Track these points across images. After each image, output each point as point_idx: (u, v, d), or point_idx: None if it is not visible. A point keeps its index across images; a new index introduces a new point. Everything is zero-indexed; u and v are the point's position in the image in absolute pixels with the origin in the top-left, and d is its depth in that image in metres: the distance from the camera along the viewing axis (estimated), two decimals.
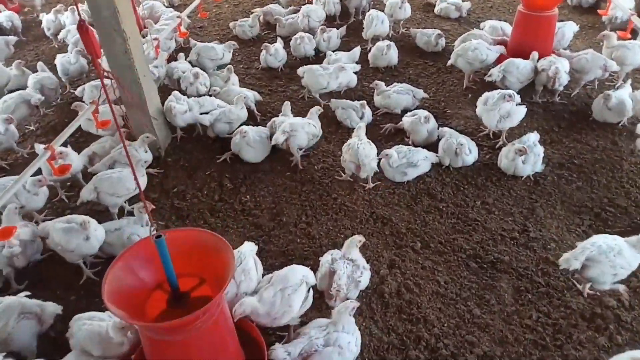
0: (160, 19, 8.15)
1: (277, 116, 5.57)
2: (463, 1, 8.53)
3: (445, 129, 5.23)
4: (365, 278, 3.60)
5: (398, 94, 5.84)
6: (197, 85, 6.08)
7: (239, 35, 8.09)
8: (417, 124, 5.25)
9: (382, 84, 5.95)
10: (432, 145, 5.22)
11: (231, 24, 8.16)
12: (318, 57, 7.22)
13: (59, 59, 6.74)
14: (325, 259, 3.59)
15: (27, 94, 5.93)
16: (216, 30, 8.59)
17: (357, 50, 6.85)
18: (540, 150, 4.82)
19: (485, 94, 5.30)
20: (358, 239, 3.68)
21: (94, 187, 4.46)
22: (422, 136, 5.28)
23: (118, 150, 5.04)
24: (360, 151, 4.66)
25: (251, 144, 5.14)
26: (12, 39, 7.56)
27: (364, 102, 5.69)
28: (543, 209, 4.49)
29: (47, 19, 8.22)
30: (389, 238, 4.28)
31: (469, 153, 4.93)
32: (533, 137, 4.88)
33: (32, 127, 6.17)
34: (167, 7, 9.12)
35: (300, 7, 8.09)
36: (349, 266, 3.53)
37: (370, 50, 7.09)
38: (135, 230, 4.14)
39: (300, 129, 5.07)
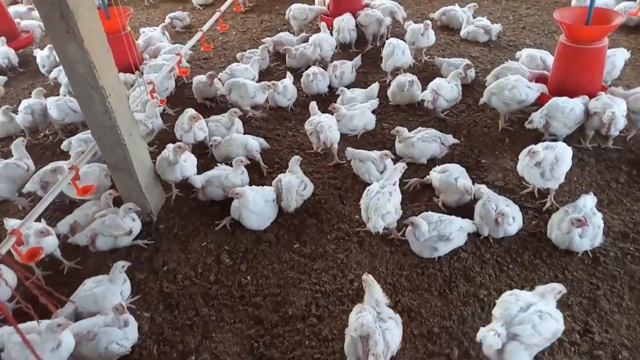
0: (158, 51, 7.56)
1: (285, 171, 4.87)
2: (492, 23, 7.72)
3: (483, 189, 4.41)
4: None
5: (424, 142, 5.06)
6: (195, 131, 5.38)
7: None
8: (448, 182, 4.47)
9: (405, 130, 5.18)
10: (465, 208, 4.43)
11: (238, 55, 7.49)
12: (332, 92, 6.49)
13: (52, 103, 6.09)
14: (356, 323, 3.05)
15: None
16: (222, 61, 7.93)
17: (375, 87, 6.09)
18: (599, 219, 3.97)
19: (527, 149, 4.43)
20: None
21: (74, 309, 3.75)
22: (455, 197, 4.49)
23: (101, 221, 4.38)
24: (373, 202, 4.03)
25: (253, 208, 4.43)
26: (2, 79, 7.00)
27: (387, 153, 4.87)
28: (607, 299, 3.64)
29: (40, 55, 7.68)
30: (417, 340, 3.49)
31: (512, 222, 4.12)
32: (590, 201, 4.04)
33: None
34: (170, 41, 8.55)
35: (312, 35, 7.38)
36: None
37: (389, 83, 6.34)
38: (114, 337, 3.43)
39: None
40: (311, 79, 6.39)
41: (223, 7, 7.79)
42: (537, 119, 5.00)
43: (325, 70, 6.58)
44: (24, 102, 6.11)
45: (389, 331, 3.06)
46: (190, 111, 5.49)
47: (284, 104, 6.37)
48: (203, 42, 6.94)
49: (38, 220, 4.13)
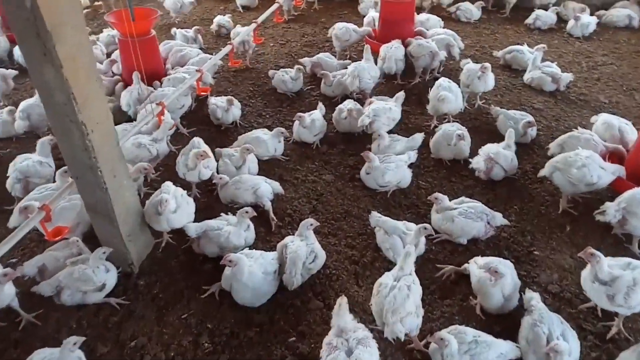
0: (184, 61, 6.89)
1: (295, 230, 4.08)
2: (562, 70, 6.70)
3: (534, 300, 3.48)
4: None
5: (466, 219, 4.17)
6: (200, 169, 4.65)
7: (277, 88, 6.65)
8: (488, 285, 3.58)
9: (445, 199, 4.30)
10: (510, 317, 3.55)
11: (270, 72, 6.73)
12: (366, 133, 5.66)
13: None
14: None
15: None
16: (253, 76, 7.20)
17: (419, 138, 5.22)
18: None
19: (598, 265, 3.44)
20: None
21: None
22: (496, 303, 3.60)
23: (69, 271, 3.70)
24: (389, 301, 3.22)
25: (248, 281, 3.65)
26: (11, 72, 6.47)
27: (425, 227, 3.90)
28: None
29: None
30: None
31: (569, 355, 3.19)
32: None
33: None
34: (203, 45, 7.90)
35: (358, 60, 6.54)
36: None
37: (433, 130, 5.48)
38: None
39: None
40: (345, 117, 5.57)
41: (261, 18, 7.04)
42: (611, 212, 4.03)
43: (364, 104, 5.74)
44: (22, 104, 5.55)
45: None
46: (198, 143, 4.78)
47: (309, 140, 5.58)
48: (232, 56, 6.21)
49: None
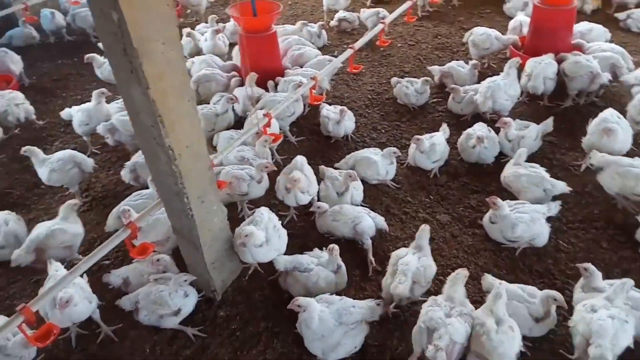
0: (303, 60, 6.47)
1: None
2: None
3: None
4: None
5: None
6: (296, 194, 4.17)
7: (398, 98, 5.97)
8: None
9: (597, 275, 3.33)
10: None
11: (393, 80, 6.04)
12: (498, 162, 4.77)
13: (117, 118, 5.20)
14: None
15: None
16: (373, 81, 6.57)
17: (562, 187, 4.22)
18: None
19: None
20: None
21: None
22: None
23: (147, 292, 3.49)
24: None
25: (317, 330, 3.13)
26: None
27: (555, 298, 3.14)
28: None
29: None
30: None
31: None
32: None
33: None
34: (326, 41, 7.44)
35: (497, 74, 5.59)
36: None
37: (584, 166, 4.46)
38: None
39: None
40: (472, 145, 4.73)
41: (390, 18, 6.32)
42: None
43: (498, 131, 4.84)
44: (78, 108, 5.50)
45: (452, 327, 2.94)
46: (301, 164, 4.32)
47: (426, 167, 4.84)
48: (352, 61, 5.63)
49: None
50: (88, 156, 5.38)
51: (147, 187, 4.40)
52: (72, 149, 5.50)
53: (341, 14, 8.03)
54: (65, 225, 4.01)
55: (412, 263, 3.40)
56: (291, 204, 4.23)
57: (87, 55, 6.41)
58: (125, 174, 4.66)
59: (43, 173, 4.63)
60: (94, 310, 3.51)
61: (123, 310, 3.58)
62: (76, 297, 3.25)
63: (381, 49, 7.09)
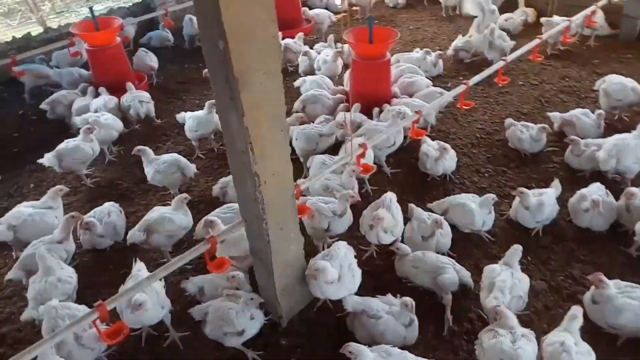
0: (413, 89, 6.29)
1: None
2: None
3: None
4: None
5: None
6: (379, 233, 4.00)
7: (509, 141, 5.54)
8: None
9: None
10: None
11: (507, 122, 5.58)
12: (613, 232, 4.22)
13: None
14: None
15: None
16: (485, 119, 6.18)
17: None
18: None
19: None
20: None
21: None
22: None
23: (215, 307, 3.55)
24: None
25: None
26: None
27: None
28: None
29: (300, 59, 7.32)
30: None
31: None
32: None
33: None
34: (442, 72, 7.18)
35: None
36: None
37: None
38: None
39: None
40: (585, 208, 4.21)
41: (513, 55, 5.90)
42: None
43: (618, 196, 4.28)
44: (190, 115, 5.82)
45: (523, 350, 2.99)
46: (389, 201, 4.16)
47: (528, 225, 4.39)
48: (463, 97, 5.35)
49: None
50: (194, 159, 5.73)
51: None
52: (180, 151, 5.92)
53: (459, 42, 7.69)
54: (176, 216, 4.31)
55: (507, 280, 3.52)
56: (372, 241, 4.09)
57: (205, 71, 6.78)
58: (216, 190, 4.85)
59: (149, 172, 4.96)
60: (165, 315, 3.65)
61: (193, 318, 3.69)
62: (149, 302, 3.38)
63: (499, 85, 6.67)
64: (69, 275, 3.85)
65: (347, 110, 5.90)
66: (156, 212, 4.34)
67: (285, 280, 3.56)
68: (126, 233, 4.64)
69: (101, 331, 3.09)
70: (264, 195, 3.07)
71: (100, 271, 4.41)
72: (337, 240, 3.89)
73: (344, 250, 3.70)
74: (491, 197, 4.36)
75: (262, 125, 2.86)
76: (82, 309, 3.45)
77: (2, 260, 4.61)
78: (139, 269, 3.80)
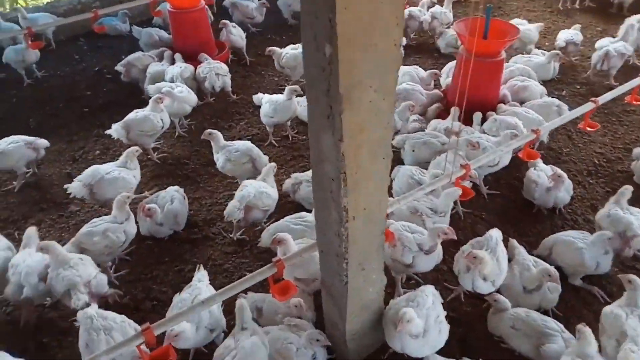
0: (517, 93, 5.41)
1: None
2: None
3: None
4: None
5: None
6: (475, 278, 3.33)
7: (635, 175, 4.64)
8: None
9: None
10: None
11: (635, 151, 4.68)
12: None
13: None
14: None
15: None
16: (603, 142, 5.23)
17: None
18: None
19: None
20: None
21: None
22: None
23: (275, 336, 3.07)
24: None
25: None
26: None
27: None
28: None
29: None
30: None
31: None
32: None
33: None
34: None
35: None
36: None
37: None
38: None
39: None
40: None
41: None
42: None
43: None
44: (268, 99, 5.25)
45: None
46: (495, 241, 3.46)
47: None
48: (588, 117, 4.45)
49: None
50: (266, 146, 5.25)
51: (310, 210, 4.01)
52: (253, 135, 5.46)
53: (568, 34, 6.54)
54: (269, 189, 4.09)
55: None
56: (466, 286, 3.42)
57: (269, 48, 6.18)
58: (287, 184, 4.34)
59: (219, 159, 4.51)
60: (217, 337, 3.23)
61: None
62: (188, 332, 2.96)
63: (626, 102, 5.63)
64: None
65: (442, 112, 5.17)
66: (251, 186, 4.04)
67: (358, 324, 3.02)
68: (187, 223, 4.29)
69: (146, 356, 2.70)
70: (349, 231, 2.50)
71: (154, 263, 4.07)
72: (419, 275, 3.28)
73: (431, 298, 3.09)
74: (607, 235, 3.57)
75: (362, 152, 2.26)
76: (119, 320, 3.08)
77: (58, 234, 4.38)
78: (200, 279, 3.38)
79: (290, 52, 6.03)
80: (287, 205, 4.53)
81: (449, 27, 7.06)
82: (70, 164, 5.18)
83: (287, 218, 3.85)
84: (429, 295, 3.08)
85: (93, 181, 4.18)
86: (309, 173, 4.21)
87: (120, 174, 4.30)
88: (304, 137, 5.45)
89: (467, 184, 3.83)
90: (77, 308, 3.25)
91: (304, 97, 5.48)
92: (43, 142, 4.80)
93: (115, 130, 4.81)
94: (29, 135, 4.82)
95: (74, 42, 7.69)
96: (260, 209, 4.04)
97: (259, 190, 4.01)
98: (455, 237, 3.36)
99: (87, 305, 3.27)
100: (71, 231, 4.34)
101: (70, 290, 3.31)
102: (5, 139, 4.71)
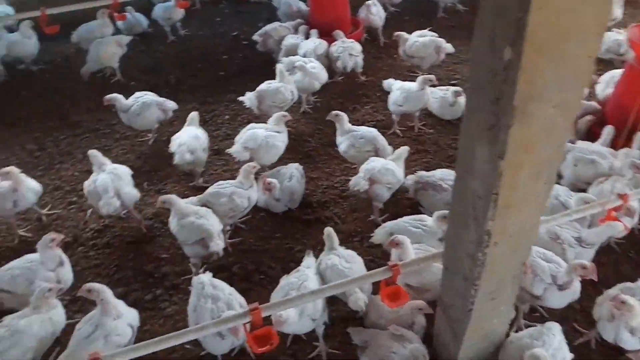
0: None
1: None
2: None
3: None
4: None
5: None
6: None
7: None
8: None
9: None
10: None
11: None
12: None
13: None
14: None
15: None
16: None
17: None
18: None
19: None
20: None
21: None
22: None
23: (379, 342, 2.92)
24: None
25: None
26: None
27: None
28: None
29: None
30: None
31: None
32: None
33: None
34: None
35: None
36: None
37: None
38: None
39: None
40: None
41: None
42: None
43: None
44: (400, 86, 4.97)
45: None
46: None
47: None
48: None
49: None
50: (389, 134, 5.03)
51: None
52: (378, 122, 5.26)
53: None
54: (396, 169, 4.00)
55: None
56: (607, 336, 2.95)
57: (396, 33, 5.82)
58: (409, 183, 4.08)
59: (342, 143, 4.39)
60: (318, 327, 3.14)
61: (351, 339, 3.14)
62: (292, 318, 2.88)
63: None
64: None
65: (594, 126, 4.54)
66: (377, 161, 4.04)
67: (472, 352, 2.75)
68: (302, 201, 4.26)
69: (250, 337, 2.69)
70: (487, 257, 2.22)
71: (266, 237, 4.09)
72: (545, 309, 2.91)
73: (559, 338, 2.73)
74: None
75: (523, 173, 1.96)
76: (227, 292, 3.11)
77: (182, 190, 4.57)
78: (308, 265, 3.32)
79: (420, 40, 5.67)
80: (403, 201, 4.32)
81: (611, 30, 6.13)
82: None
83: (405, 218, 3.63)
84: (557, 334, 2.73)
85: (253, 145, 4.30)
86: (437, 174, 3.95)
87: (275, 140, 4.40)
88: (431, 130, 5.15)
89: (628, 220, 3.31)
90: (218, 250, 3.49)
91: (437, 87, 5.28)
92: (172, 105, 5.02)
93: (249, 99, 4.87)
94: (167, 91, 5.08)
95: (217, 4, 7.98)
96: (384, 185, 3.94)
97: (385, 166, 3.95)
98: (595, 278, 2.92)
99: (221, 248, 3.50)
100: (192, 190, 4.52)
101: (205, 237, 3.47)
102: (140, 94, 4.97)
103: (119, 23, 6.69)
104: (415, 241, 3.37)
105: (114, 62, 6.00)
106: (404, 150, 4.16)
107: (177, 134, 4.52)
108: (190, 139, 4.37)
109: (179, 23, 6.99)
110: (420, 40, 5.65)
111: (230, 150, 4.35)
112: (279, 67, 5.12)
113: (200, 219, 3.52)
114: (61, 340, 3.11)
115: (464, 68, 6.13)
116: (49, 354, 3.14)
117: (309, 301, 2.82)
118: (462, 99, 5.02)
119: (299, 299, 2.73)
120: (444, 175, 3.91)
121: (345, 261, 3.27)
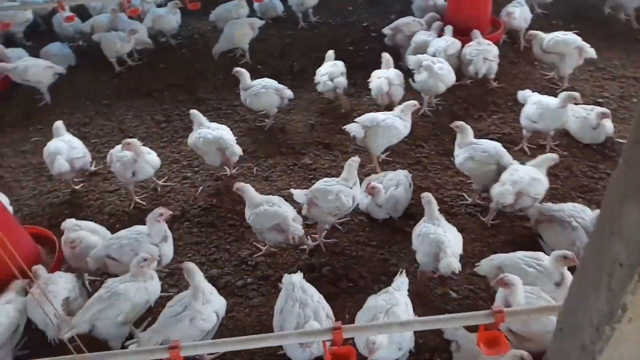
0: None
1: None
2: None
3: None
4: None
5: None
6: None
7: None
8: None
9: None
10: None
11: None
12: None
13: None
14: None
15: None
16: None
17: None
18: None
19: None
20: None
21: None
22: None
23: None
24: None
25: None
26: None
27: None
28: None
29: None
30: None
31: None
32: None
33: None
34: None
35: None
36: None
37: None
38: None
39: None
40: None
41: None
42: None
43: None
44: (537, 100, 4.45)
45: None
46: None
47: None
48: None
49: None
50: (516, 150, 4.55)
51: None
52: (503, 135, 4.82)
53: None
54: (542, 177, 3.74)
55: None
56: None
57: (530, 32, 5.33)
58: (533, 213, 3.62)
59: (460, 156, 3.99)
60: (403, 356, 2.93)
61: None
62: (385, 342, 2.68)
63: None
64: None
65: None
66: (522, 171, 3.72)
67: None
68: (405, 210, 4.01)
69: (329, 353, 2.57)
70: (616, 333, 1.83)
71: (361, 243, 3.95)
72: None
73: None
74: None
75: None
76: (316, 299, 3.02)
77: (288, 180, 4.56)
78: (399, 286, 3.10)
79: (562, 36, 5.09)
80: (519, 228, 3.91)
81: None
82: (317, 116, 5.32)
83: (519, 254, 3.23)
84: None
85: (370, 124, 4.25)
86: (567, 209, 3.48)
87: (394, 122, 4.29)
88: (565, 152, 4.56)
89: None
90: (299, 234, 3.54)
91: (579, 105, 4.64)
92: (289, 93, 5.05)
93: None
94: (290, 77, 5.08)
95: None
96: (531, 196, 3.65)
97: (532, 176, 3.65)
98: None
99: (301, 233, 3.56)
100: (298, 181, 4.49)
101: (280, 223, 3.54)
102: (260, 80, 5.03)
103: (255, 5, 6.86)
104: (527, 282, 2.98)
105: (244, 44, 6.17)
106: (549, 157, 3.86)
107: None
108: (330, 68, 5.14)
109: (311, 10, 6.99)
110: (561, 36, 5.06)
111: (347, 126, 4.32)
112: (385, 55, 5.19)
113: (272, 207, 3.59)
114: (153, 312, 3.26)
115: (615, 85, 5.35)
116: (142, 322, 3.31)
117: (396, 332, 2.61)
118: (607, 122, 4.38)
119: (386, 327, 2.56)
120: (576, 212, 3.43)
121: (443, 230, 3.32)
